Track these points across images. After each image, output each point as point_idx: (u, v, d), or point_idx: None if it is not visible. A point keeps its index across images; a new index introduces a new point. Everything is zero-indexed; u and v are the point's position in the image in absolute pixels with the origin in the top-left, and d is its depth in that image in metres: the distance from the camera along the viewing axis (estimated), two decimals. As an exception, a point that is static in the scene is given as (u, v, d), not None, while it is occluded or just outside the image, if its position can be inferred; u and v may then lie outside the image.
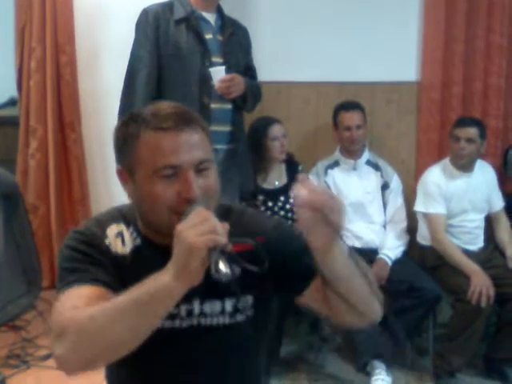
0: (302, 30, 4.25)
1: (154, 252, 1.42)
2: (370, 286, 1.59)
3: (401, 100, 4.40)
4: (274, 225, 1.67)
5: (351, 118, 4.01)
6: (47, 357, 2.34)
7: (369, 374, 3.60)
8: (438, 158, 4.32)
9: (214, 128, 3.36)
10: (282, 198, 3.89)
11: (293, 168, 4.01)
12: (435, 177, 3.94)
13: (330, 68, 4.29)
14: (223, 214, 1.59)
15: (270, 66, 4.12)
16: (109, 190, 3.92)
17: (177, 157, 1.47)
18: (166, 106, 1.56)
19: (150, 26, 3.31)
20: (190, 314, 1.58)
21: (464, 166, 3.90)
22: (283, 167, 3.99)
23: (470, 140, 3.84)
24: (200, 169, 1.50)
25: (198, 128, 1.53)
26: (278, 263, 1.57)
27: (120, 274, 1.46)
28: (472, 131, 3.84)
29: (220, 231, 1.34)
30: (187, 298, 1.51)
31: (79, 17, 3.93)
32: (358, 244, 3.96)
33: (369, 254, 3.89)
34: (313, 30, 4.25)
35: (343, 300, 1.53)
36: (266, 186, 3.91)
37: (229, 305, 1.59)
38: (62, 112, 3.90)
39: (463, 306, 3.58)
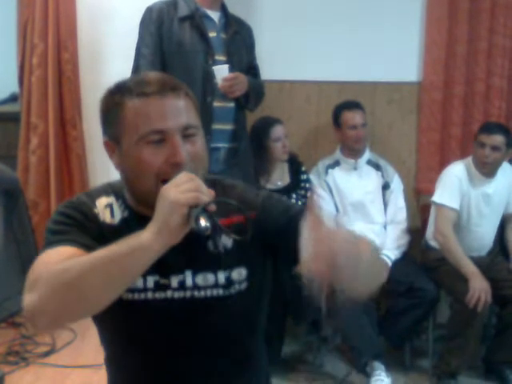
0: (304, 29, 4.24)
1: (141, 224, 1.39)
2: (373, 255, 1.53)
3: (402, 100, 4.40)
4: (264, 199, 1.65)
5: (356, 117, 4.01)
6: (47, 354, 2.33)
7: (368, 375, 3.59)
8: (439, 158, 4.32)
9: (216, 126, 3.37)
10: (285, 197, 3.88)
11: (296, 168, 4.00)
12: (459, 172, 3.85)
13: (331, 67, 4.29)
14: (212, 186, 1.56)
15: (272, 65, 4.11)
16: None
17: (163, 121, 1.47)
18: (149, 74, 1.59)
19: (154, 24, 3.31)
20: (182, 285, 1.56)
21: (487, 172, 3.83)
22: (286, 167, 3.99)
23: (495, 148, 3.73)
24: (187, 134, 1.49)
25: (182, 94, 1.52)
26: (271, 237, 1.57)
27: (106, 243, 1.42)
28: (498, 139, 3.73)
29: (203, 190, 1.35)
30: (178, 268, 1.55)
31: (81, 13, 3.92)
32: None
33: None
34: (315, 29, 4.24)
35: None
36: (269, 185, 3.90)
37: (222, 277, 1.57)
38: (63, 108, 3.89)
39: (461, 307, 3.58)
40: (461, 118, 4.31)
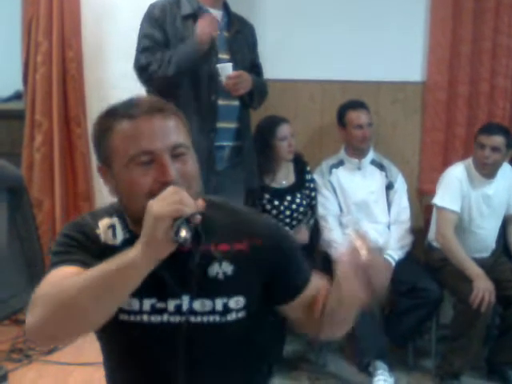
0: (308, 28, 4.24)
1: (130, 242, 1.41)
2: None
3: (406, 100, 4.40)
4: (272, 229, 1.66)
5: (361, 117, 4.00)
6: (50, 352, 2.34)
7: (371, 375, 3.59)
8: (443, 158, 4.32)
9: (221, 125, 3.37)
10: (288, 198, 3.89)
11: (301, 168, 4.00)
12: (460, 173, 3.84)
13: (335, 67, 4.29)
14: (218, 211, 1.61)
15: (276, 64, 4.11)
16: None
17: (151, 142, 1.47)
18: (138, 97, 1.59)
19: (157, 20, 3.31)
20: (178, 309, 1.56)
21: (487, 173, 3.83)
22: (291, 166, 3.98)
23: (495, 149, 3.72)
24: (176, 154, 1.49)
25: (171, 115, 1.53)
26: (271, 269, 1.59)
27: None
28: (498, 140, 3.72)
29: (187, 203, 1.36)
30: (176, 293, 1.55)
31: (86, 12, 3.92)
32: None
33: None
34: (319, 28, 4.24)
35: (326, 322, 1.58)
36: (274, 184, 3.90)
37: (219, 304, 1.57)
38: (67, 106, 3.89)
39: (464, 307, 3.57)
40: (465, 118, 4.31)
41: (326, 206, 3.99)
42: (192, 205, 1.37)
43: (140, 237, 1.37)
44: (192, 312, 1.56)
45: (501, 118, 4.26)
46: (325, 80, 4.32)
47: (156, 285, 1.51)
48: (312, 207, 4.01)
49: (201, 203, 1.42)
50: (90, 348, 2.32)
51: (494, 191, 3.85)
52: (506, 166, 3.90)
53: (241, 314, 1.59)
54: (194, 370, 1.59)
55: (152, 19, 3.32)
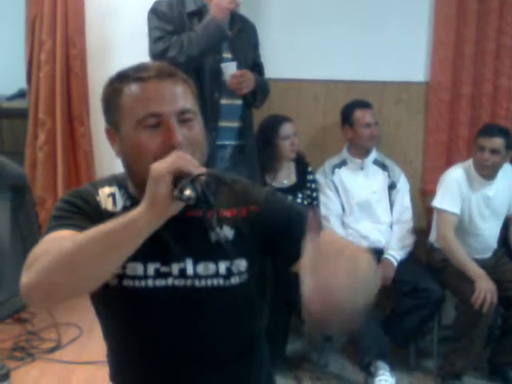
0: (311, 28, 4.24)
1: (130, 209, 1.41)
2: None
3: (410, 100, 4.39)
4: (267, 195, 1.67)
5: (369, 116, 4.01)
6: (52, 350, 2.34)
7: (372, 375, 3.59)
8: (446, 158, 4.31)
9: (223, 124, 3.37)
10: (289, 197, 3.88)
11: (302, 168, 4.00)
12: (458, 175, 3.84)
13: (339, 66, 4.28)
14: (217, 181, 1.61)
15: (280, 63, 4.11)
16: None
17: (159, 105, 1.49)
18: (148, 62, 1.63)
19: (165, 15, 3.30)
20: (183, 273, 1.57)
21: (487, 175, 3.82)
22: (292, 166, 3.98)
23: (494, 151, 3.70)
24: (183, 119, 1.51)
25: (179, 80, 1.55)
26: (271, 233, 1.59)
27: None
28: (498, 142, 3.70)
29: (189, 161, 1.38)
30: (179, 257, 1.56)
31: (90, 10, 3.92)
32: (364, 244, 3.94)
33: (374, 254, 3.87)
34: (322, 28, 4.24)
35: None
36: (275, 184, 3.90)
37: (223, 267, 1.58)
38: (70, 105, 3.90)
39: (466, 308, 3.57)
40: (468, 119, 4.30)
41: (329, 205, 3.99)
42: (196, 166, 1.39)
43: (144, 197, 1.38)
44: (196, 276, 1.57)
45: (504, 118, 4.25)
46: (328, 80, 4.32)
47: (160, 249, 1.53)
48: (313, 208, 4.00)
49: (203, 169, 1.41)
50: (92, 346, 2.34)
51: (495, 192, 3.84)
52: (507, 166, 3.88)
53: (243, 277, 1.60)
54: (197, 333, 1.60)
55: (160, 14, 3.32)
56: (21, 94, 4.46)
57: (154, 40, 3.29)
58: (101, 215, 1.55)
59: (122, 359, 1.70)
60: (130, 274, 1.56)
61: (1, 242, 2.73)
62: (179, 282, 1.57)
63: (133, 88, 1.52)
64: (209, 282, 1.57)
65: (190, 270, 1.57)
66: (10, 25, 4.33)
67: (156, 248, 1.52)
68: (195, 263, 1.57)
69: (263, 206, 1.62)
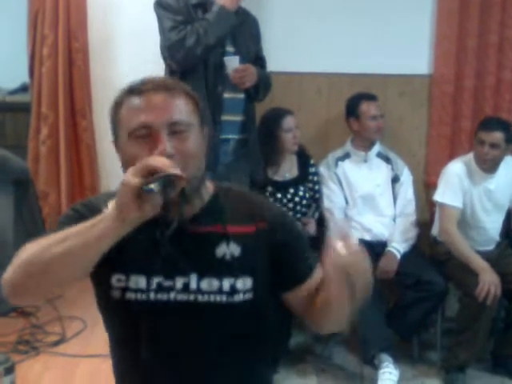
0: (314, 21, 4.22)
1: (146, 224, 1.42)
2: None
3: (413, 93, 4.39)
4: (278, 214, 1.67)
5: (376, 108, 4.01)
6: (56, 343, 2.35)
7: (376, 367, 3.60)
8: (449, 151, 4.31)
9: (226, 118, 3.37)
10: (291, 191, 3.88)
11: (304, 161, 3.99)
12: (459, 169, 3.83)
13: (342, 59, 4.27)
14: (227, 195, 1.64)
15: (282, 56, 4.11)
16: (119, 178, 3.91)
17: (149, 116, 1.50)
18: (153, 76, 1.62)
19: (171, 6, 3.29)
20: (186, 288, 1.57)
21: (487, 168, 3.81)
22: (294, 159, 3.98)
23: (494, 145, 3.68)
24: (174, 130, 1.50)
25: (178, 93, 1.55)
26: (277, 252, 1.60)
27: None
28: (497, 136, 3.67)
29: (165, 162, 1.38)
30: (184, 271, 1.56)
31: (92, 4, 3.92)
32: (367, 237, 3.95)
33: (378, 247, 3.89)
34: (325, 21, 4.23)
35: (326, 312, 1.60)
36: (277, 177, 3.89)
37: (227, 284, 1.58)
38: (73, 99, 3.90)
39: (470, 300, 3.57)
40: (471, 112, 4.30)
41: (332, 198, 3.99)
42: (169, 167, 1.37)
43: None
44: (199, 291, 1.57)
45: (507, 111, 4.25)
46: (331, 73, 4.31)
47: (164, 263, 1.54)
48: (315, 200, 4.00)
49: (183, 176, 1.39)
50: (96, 340, 2.34)
51: (496, 185, 3.84)
52: (508, 159, 3.87)
53: (248, 296, 1.59)
54: (198, 349, 1.60)
55: (166, 5, 3.30)
56: (23, 88, 4.45)
57: (167, 30, 3.26)
58: None
59: (124, 368, 1.71)
60: (133, 287, 1.57)
61: (4, 236, 2.73)
62: (182, 297, 1.58)
63: (131, 100, 1.54)
64: (211, 298, 1.58)
65: (193, 285, 1.57)
66: (12, 19, 4.33)
67: (160, 262, 1.54)
68: (199, 278, 1.57)
69: (272, 223, 1.62)
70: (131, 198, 1.35)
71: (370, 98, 4.04)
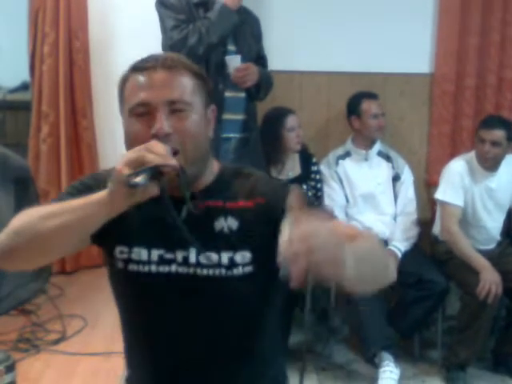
0: (315, 20, 4.23)
1: (149, 201, 1.44)
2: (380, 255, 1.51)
3: (414, 91, 4.39)
4: (276, 188, 1.66)
5: (377, 106, 4.02)
6: (57, 341, 2.35)
7: (377, 366, 3.59)
8: (450, 150, 4.31)
9: (227, 117, 3.37)
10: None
11: (306, 159, 3.99)
12: (460, 168, 3.82)
13: (342, 58, 4.27)
14: (232, 174, 1.65)
15: (283, 56, 4.11)
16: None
17: (148, 94, 1.50)
18: (159, 53, 1.62)
19: (173, 5, 3.29)
20: (186, 261, 1.58)
21: (489, 167, 3.80)
22: (297, 158, 3.98)
23: (495, 143, 3.68)
24: (174, 109, 1.50)
25: (180, 71, 1.54)
26: (274, 226, 1.52)
27: None
28: (498, 134, 3.68)
29: (158, 151, 1.36)
30: (184, 244, 1.56)
31: (93, 3, 3.92)
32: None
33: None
34: (326, 20, 4.23)
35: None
36: (280, 176, 3.89)
37: (225, 257, 1.58)
38: (74, 98, 3.89)
39: (471, 299, 3.57)
40: (472, 110, 4.30)
41: (333, 197, 3.99)
42: (161, 156, 1.36)
43: None
44: (199, 264, 1.58)
45: (508, 109, 4.25)
46: (332, 72, 4.31)
47: (165, 236, 1.56)
48: (318, 198, 4.00)
49: (175, 161, 1.39)
50: (97, 338, 2.34)
51: (497, 184, 3.84)
52: (510, 157, 3.86)
53: (247, 269, 1.59)
54: (196, 321, 1.61)
55: (168, 4, 3.31)
56: (24, 87, 4.45)
57: (169, 29, 3.27)
58: None
59: (130, 341, 1.73)
60: (135, 259, 1.59)
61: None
62: (182, 270, 1.58)
63: (134, 77, 1.54)
64: (210, 272, 1.58)
65: (192, 259, 1.58)
66: (13, 17, 4.32)
67: (161, 234, 1.55)
68: (198, 252, 1.58)
69: (270, 198, 1.61)
70: (120, 187, 1.36)
71: (372, 96, 4.05)
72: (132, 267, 1.59)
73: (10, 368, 1.93)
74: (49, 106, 3.82)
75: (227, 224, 1.59)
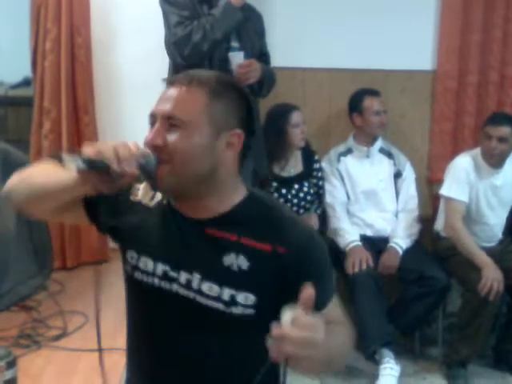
0: (317, 17, 4.22)
1: (170, 212, 1.54)
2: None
3: (415, 88, 4.38)
4: (302, 240, 1.56)
5: (379, 103, 4.01)
6: (58, 337, 2.36)
7: (377, 362, 3.60)
8: (451, 147, 4.30)
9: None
10: (296, 186, 3.88)
11: (308, 157, 3.99)
12: (466, 163, 3.81)
13: (344, 55, 4.26)
14: (257, 206, 1.59)
15: (285, 52, 4.10)
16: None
17: (157, 106, 1.54)
18: (196, 70, 1.64)
19: (177, 1, 3.29)
20: (188, 284, 1.56)
21: (494, 163, 3.79)
22: (299, 155, 3.97)
23: (502, 139, 3.67)
24: (172, 124, 1.51)
25: (194, 89, 1.53)
26: (286, 282, 1.51)
27: (120, 207, 1.61)
28: (505, 130, 3.66)
29: (123, 150, 1.41)
30: (188, 267, 1.56)
31: (95, 0, 3.93)
32: (369, 232, 3.95)
33: (380, 243, 3.89)
34: (328, 17, 4.22)
35: None
36: (281, 173, 3.89)
37: (226, 293, 1.54)
38: (75, 94, 3.90)
39: (472, 296, 3.57)
40: (474, 108, 4.29)
41: (334, 194, 3.98)
42: (115, 157, 1.39)
43: None
44: (200, 292, 1.56)
45: (510, 107, 4.23)
46: (334, 68, 4.30)
47: (171, 254, 1.57)
48: (319, 196, 4.00)
49: (130, 168, 1.41)
50: (97, 334, 2.34)
51: (502, 181, 3.83)
52: None
53: (248, 311, 1.55)
54: (195, 344, 1.59)
55: (172, 0, 3.30)
56: (25, 83, 4.46)
57: (173, 25, 3.26)
58: (127, 204, 1.65)
59: (131, 345, 1.73)
60: (142, 268, 1.60)
61: (6, 232, 2.74)
62: (183, 292, 1.57)
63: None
64: (209, 303, 1.56)
65: (195, 284, 1.56)
66: (15, 13, 4.33)
67: (169, 250, 1.56)
68: (202, 280, 1.56)
69: (293, 252, 1.53)
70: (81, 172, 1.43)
71: (373, 93, 4.04)
72: (137, 275, 1.60)
73: (11, 364, 1.93)
74: (51, 102, 3.83)
75: (237, 262, 1.54)
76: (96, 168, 1.38)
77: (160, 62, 3.53)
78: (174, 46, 3.25)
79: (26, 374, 2.06)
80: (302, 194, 3.88)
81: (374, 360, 3.63)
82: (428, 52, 4.33)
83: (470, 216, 3.83)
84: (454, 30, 4.20)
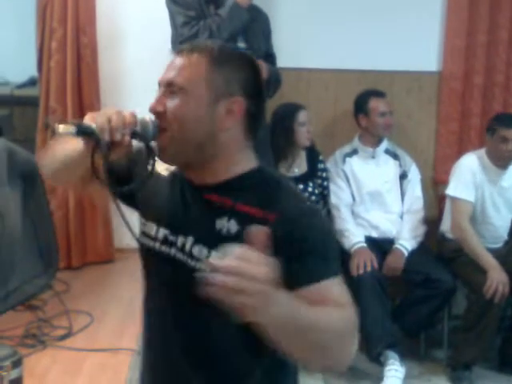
0: (323, 18, 4.22)
1: (183, 181, 1.57)
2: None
3: (421, 89, 4.38)
4: (295, 209, 1.52)
5: (384, 105, 4.00)
6: (63, 337, 2.35)
7: (382, 364, 3.59)
8: (457, 148, 4.30)
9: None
10: (300, 186, 3.87)
11: (313, 157, 3.99)
12: (473, 163, 3.80)
13: (350, 55, 4.26)
14: (263, 180, 1.58)
15: (290, 53, 4.10)
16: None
17: (163, 74, 1.56)
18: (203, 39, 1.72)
19: (185, 1, 3.29)
20: (183, 248, 1.57)
21: (502, 165, 3.79)
22: (303, 155, 3.97)
23: None
24: (170, 91, 1.53)
25: (194, 56, 1.54)
26: (274, 246, 1.36)
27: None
28: None
29: (115, 116, 1.45)
30: (185, 231, 1.57)
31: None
32: (374, 234, 3.94)
33: (385, 244, 3.88)
34: (334, 18, 4.23)
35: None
36: (286, 173, 3.88)
37: (214, 257, 1.48)
38: (81, 93, 3.90)
39: (477, 298, 3.56)
40: (480, 109, 4.29)
41: (339, 195, 3.98)
42: (107, 124, 1.44)
43: None
44: (191, 255, 1.55)
45: (515, 108, 4.24)
46: (339, 69, 4.30)
47: (173, 219, 1.59)
48: (324, 196, 4.00)
49: (119, 136, 1.46)
50: (103, 334, 2.35)
51: (508, 182, 3.82)
52: None
53: None
54: (188, 312, 1.57)
55: (178, 0, 3.31)
56: (31, 82, 4.46)
57: (180, 25, 3.27)
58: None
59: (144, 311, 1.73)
60: (147, 232, 1.63)
61: (12, 230, 2.74)
62: (179, 256, 1.57)
63: None
64: (197, 266, 1.53)
65: (187, 248, 1.56)
66: (21, 12, 4.34)
67: (171, 215, 1.59)
68: (194, 243, 1.55)
69: (283, 219, 1.48)
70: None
71: (379, 94, 4.04)
72: (142, 239, 1.65)
73: (17, 363, 1.93)
74: (56, 101, 3.83)
75: (228, 226, 1.52)
76: (85, 134, 1.43)
77: (166, 62, 3.51)
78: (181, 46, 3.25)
79: (32, 373, 2.06)
80: (306, 194, 3.87)
81: (379, 362, 3.62)
82: (434, 53, 4.33)
83: (475, 216, 3.83)
84: (459, 31, 4.20)
